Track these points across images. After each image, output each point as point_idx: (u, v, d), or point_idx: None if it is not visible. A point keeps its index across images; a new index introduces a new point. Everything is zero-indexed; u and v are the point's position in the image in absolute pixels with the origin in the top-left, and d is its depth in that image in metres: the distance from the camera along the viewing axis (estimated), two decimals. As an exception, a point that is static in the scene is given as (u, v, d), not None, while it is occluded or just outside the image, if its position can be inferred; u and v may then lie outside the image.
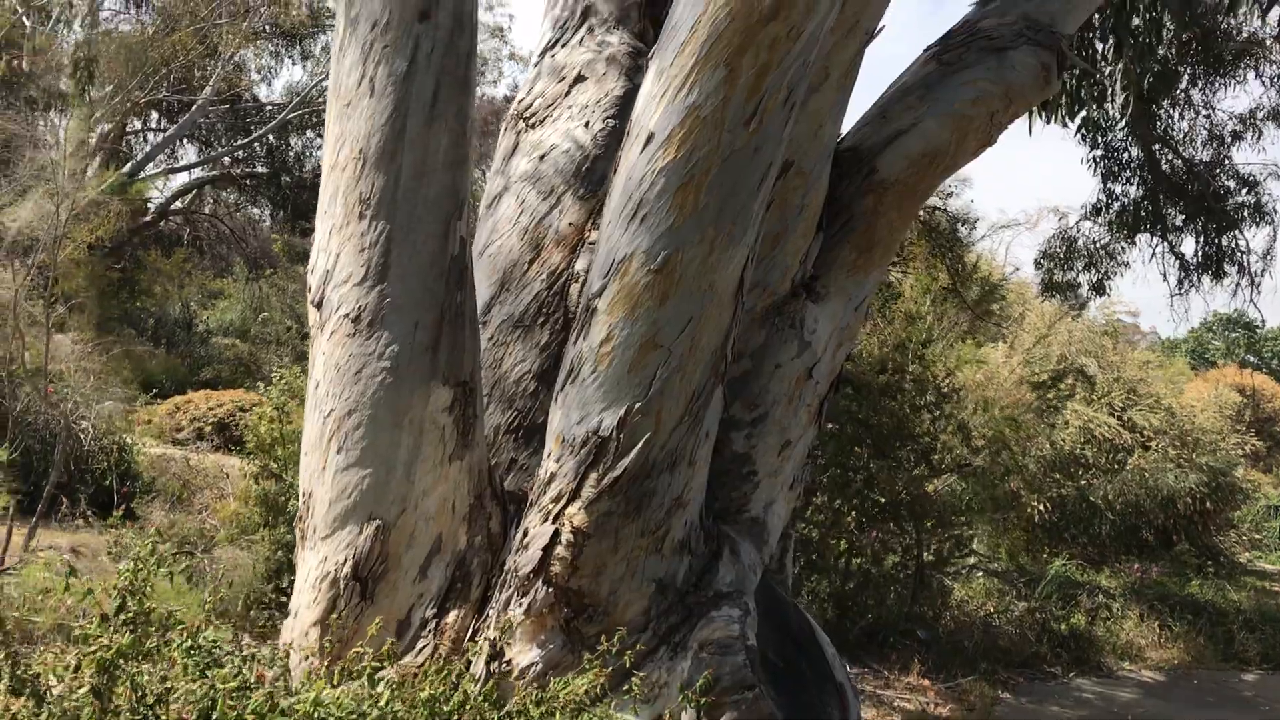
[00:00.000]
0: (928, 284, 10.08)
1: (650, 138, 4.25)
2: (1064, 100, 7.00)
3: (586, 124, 5.92)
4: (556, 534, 4.39)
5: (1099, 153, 13.32)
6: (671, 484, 4.40)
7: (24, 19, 27.56)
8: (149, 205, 30.96)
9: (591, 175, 5.73)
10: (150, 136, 32.06)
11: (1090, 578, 13.69)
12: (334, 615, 4.83)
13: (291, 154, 33.60)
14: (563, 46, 6.31)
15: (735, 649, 4.37)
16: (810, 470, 5.45)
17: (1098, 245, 14.45)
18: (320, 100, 31.23)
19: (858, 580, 8.97)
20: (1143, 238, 14.25)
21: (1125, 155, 13.40)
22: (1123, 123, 12.35)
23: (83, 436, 13.47)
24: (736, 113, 4.11)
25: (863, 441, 8.83)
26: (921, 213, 10.80)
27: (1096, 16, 7.19)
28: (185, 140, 32.01)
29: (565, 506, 4.39)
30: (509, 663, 4.55)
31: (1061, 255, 14.61)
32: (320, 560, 4.94)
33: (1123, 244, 14.22)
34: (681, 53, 4.17)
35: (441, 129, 5.01)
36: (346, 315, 4.92)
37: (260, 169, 33.29)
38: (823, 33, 4.21)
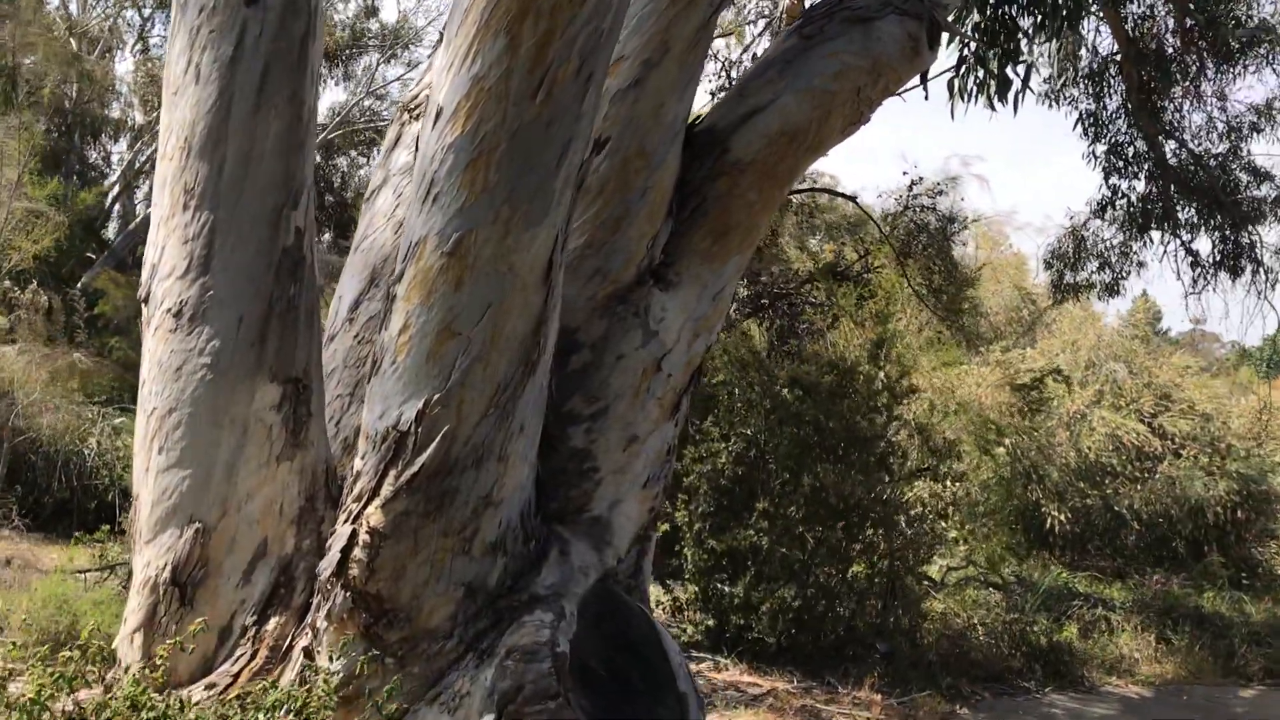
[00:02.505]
0: (895, 283, 9.69)
1: (439, 112, 4.03)
2: (986, 79, 6.61)
3: (466, 114, 5.70)
4: (354, 535, 4.15)
5: (1103, 147, 12.81)
6: (478, 481, 4.14)
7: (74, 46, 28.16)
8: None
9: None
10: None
11: (1101, 590, 13.10)
12: (155, 621, 4.66)
13: (336, 174, 33.82)
14: (455, 37, 6.09)
15: (541, 655, 4.09)
16: (669, 470, 5.14)
17: (1108, 244, 13.89)
18: (361, 120, 31.72)
19: (813, 591, 8.59)
20: (1156, 235, 13.68)
21: (1130, 150, 12.88)
22: (1118, 112, 11.90)
23: (86, 453, 13.61)
24: (521, 84, 3.86)
25: (815, 446, 8.48)
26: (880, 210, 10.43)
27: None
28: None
29: (365, 506, 4.16)
30: (317, 671, 4.32)
31: (1070, 255, 14.07)
32: (144, 565, 4.76)
33: (1134, 242, 13.65)
34: (465, 20, 3.95)
35: (271, 115, 4.84)
36: (169, 310, 4.76)
37: (305, 189, 33.54)
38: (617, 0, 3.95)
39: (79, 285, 23.85)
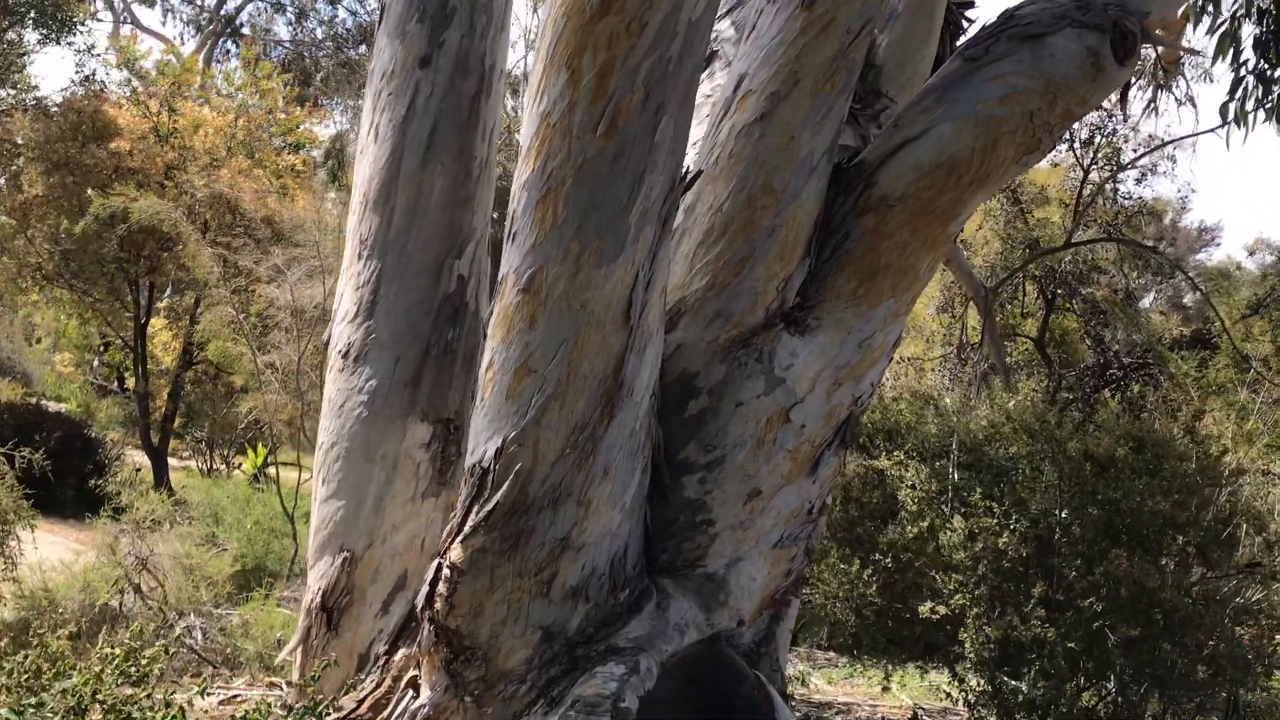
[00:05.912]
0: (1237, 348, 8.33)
1: (520, 151, 4.06)
2: (1275, 100, 5.60)
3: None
4: (440, 569, 4.21)
5: None
6: (555, 523, 4.05)
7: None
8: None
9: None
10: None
11: None
12: (309, 642, 4.96)
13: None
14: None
15: (602, 709, 3.90)
16: (812, 532, 4.73)
17: None
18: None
19: (1114, 700, 7.51)
20: None
21: None
22: None
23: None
24: (584, 117, 3.82)
25: (1120, 530, 7.46)
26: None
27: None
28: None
29: (452, 541, 4.20)
30: (419, 702, 4.39)
31: None
32: (307, 589, 5.10)
33: None
34: (538, 60, 3.97)
35: (437, 170, 5.12)
36: (339, 351, 5.12)
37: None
38: (685, 26, 3.80)
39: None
